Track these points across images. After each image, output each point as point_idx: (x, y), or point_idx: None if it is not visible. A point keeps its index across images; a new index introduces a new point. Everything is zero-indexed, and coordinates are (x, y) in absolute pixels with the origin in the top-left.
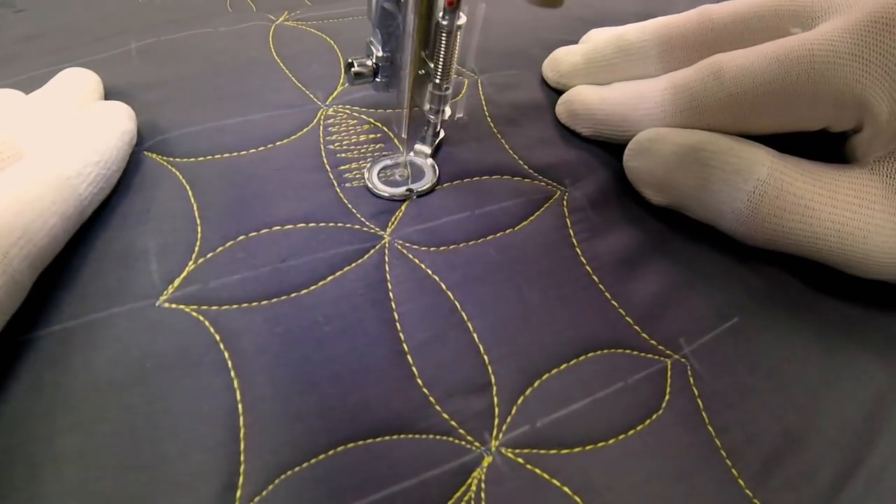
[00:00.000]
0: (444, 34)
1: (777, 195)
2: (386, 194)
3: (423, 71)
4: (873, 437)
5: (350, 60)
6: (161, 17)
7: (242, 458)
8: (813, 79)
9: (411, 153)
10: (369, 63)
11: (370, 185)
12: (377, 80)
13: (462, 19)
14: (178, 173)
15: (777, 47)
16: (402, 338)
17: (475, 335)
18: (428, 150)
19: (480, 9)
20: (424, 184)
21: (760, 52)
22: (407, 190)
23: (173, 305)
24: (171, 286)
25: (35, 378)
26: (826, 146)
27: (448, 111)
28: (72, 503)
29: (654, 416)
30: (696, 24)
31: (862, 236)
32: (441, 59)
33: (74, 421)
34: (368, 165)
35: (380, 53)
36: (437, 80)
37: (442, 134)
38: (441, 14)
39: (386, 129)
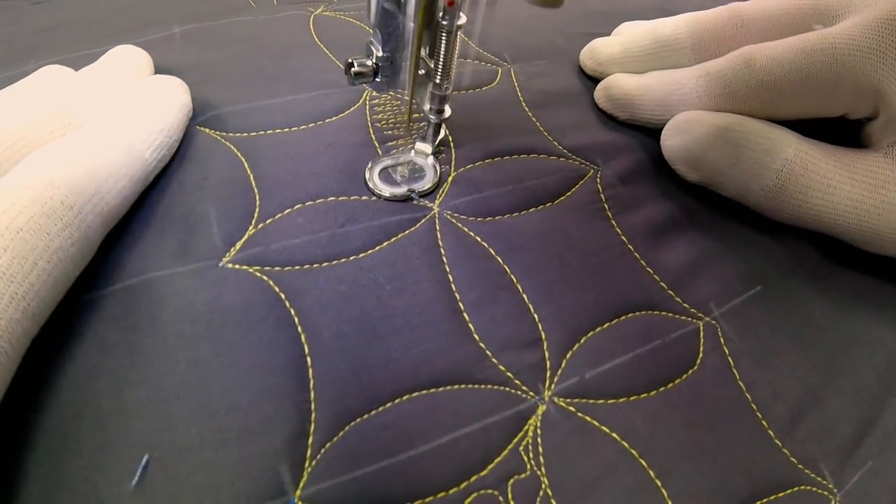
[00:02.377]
0: (444, 34)
1: (802, 173)
2: (387, 194)
3: (424, 71)
4: (887, 399)
5: (350, 60)
6: (180, 11)
7: (313, 406)
8: (834, 69)
9: (412, 153)
10: (369, 63)
11: (371, 185)
12: (377, 79)
13: (462, 19)
14: (231, 146)
15: (803, 40)
16: (458, 297)
17: (524, 295)
18: (429, 149)
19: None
20: (426, 184)
21: (788, 45)
22: (408, 190)
23: (236, 266)
24: (233, 248)
25: (100, 336)
26: (845, 132)
27: (448, 111)
28: (140, 452)
29: (690, 372)
30: (726, 19)
31: (877, 213)
32: (441, 59)
33: (142, 375)
34: (370, 165)
35: (380, 53)
36: (438, 80)
37: (443, 133)
38: (441, 14)
39: (426, 110)
